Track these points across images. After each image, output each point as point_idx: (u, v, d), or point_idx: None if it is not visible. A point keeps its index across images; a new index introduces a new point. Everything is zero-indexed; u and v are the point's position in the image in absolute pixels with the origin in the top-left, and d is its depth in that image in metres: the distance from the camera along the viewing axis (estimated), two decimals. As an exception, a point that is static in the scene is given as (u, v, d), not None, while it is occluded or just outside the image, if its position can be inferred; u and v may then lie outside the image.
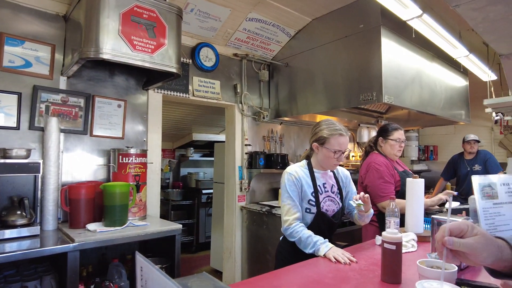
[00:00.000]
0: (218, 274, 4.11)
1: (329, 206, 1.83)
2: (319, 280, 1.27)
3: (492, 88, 3.84)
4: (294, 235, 1.70)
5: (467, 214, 1.77)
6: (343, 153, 1.81)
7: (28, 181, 2.14)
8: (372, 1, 2.27)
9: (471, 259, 0.75)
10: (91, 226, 2.09)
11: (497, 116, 3.96)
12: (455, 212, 1.94)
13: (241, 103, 3.66)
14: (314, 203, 1.78)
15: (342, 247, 1.86)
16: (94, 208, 2.22)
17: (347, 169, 4.57)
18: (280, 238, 1.95)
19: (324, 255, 1.57)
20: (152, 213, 2.79)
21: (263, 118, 3.72)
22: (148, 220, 2.43)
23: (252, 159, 3.63)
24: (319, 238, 1.66)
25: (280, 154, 3.72)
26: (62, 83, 2.49)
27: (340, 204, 1.88)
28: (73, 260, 1.83)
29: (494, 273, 0.82)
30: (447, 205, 2.22)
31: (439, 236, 0.76)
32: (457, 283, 1.09)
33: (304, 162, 1.91)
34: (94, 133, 2.56)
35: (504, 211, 1.10)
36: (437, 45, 2.88)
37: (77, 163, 2.49)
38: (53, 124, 2.22)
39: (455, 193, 2.24)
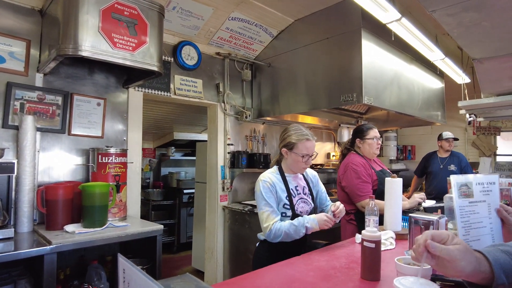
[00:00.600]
0: (199, 274, 4.09)
1: (303, 208, 1.91)
2: (300, 279, 1.29)
3: (466, 91, 3.99)
4: (278, 233, 1.74)
5: (442, 212, 1.83)
6: (311, 156, 1.89)
7: (2, 182, 2.07)
8: (353, 3, 2.31)
9: (449, 266, 0.77)
10: (69, 228, 2.03)
11: (470, 117, 4.12)
12: (431, 210, 2.01)
13: (224, 103, 3.65)
14: (289, 207, 1.85)
15: (322, 245, 1.90)
16: (73, 209, 2.16)
17: (328, 169, 4.66)
18: (257, 244, 1.98)
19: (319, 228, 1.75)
20: (132, 213, 2.75)
21: (246, 117, 3.73)
22: (128, 220, 2.39)
23: (235, 159, 3.63)
24: (299, 220, 1.75)
25: (262, 153, 3.74)
26: (38, 80, 2.41)
27: (312, 204, 1.97)
28: (50, 263, 1.78)
29: (472, 286, 0.83)
30: (423, 204, 2.30)
31: (422, 240, 0.78)
32: (432, 279, 1.13)
33: (275, 168, 1.97)
34: (73, 132, 2.49)
35: (478, 209, 1.16)
36: (415, 48, 2.97)
37: (54, 163, 2.42)
38: (29, 122, 2.15)
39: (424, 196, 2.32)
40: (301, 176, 2.01)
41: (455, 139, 4.40)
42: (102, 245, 2.04)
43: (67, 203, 2.13)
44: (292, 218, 1.84)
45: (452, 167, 4.22)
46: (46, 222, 2.10)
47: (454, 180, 1.13)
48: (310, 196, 1.98)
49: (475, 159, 5.46)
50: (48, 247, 1.78)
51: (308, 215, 1.90)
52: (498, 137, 5.39)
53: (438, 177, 4.20)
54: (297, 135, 1.89)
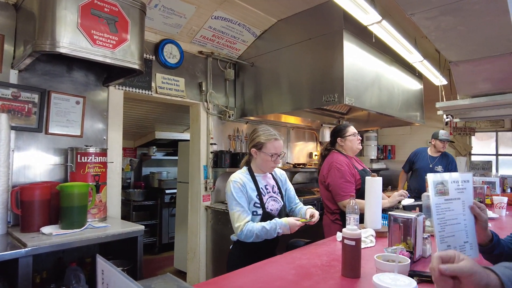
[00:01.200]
0: (182, 274, 4.05)
1: (273, 206, 1.95)
2: (282, 277, 1.30)
3: (443, 92, 4.12)
4: (249, 234, 1.77)
5: (420, 210, 1.88)
6: (279, 155, 1.95)
7: (-26, 182, 1.98)
8: (335, 5, 2.34)
9: (465, 282, 0.78)
10: (46, 229, 1.97)
11: (447, 118, 4.25)
12: (410, 208, 2.07)
13: (207, 102, 3.63)
14: (259, 205, 1.89)
15: (304, 244, 1.92)
16: (50, 210, 2.09)
17: (311, 168, 4.70)
18: (230, 247, 1.99)
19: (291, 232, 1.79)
20: (112, 214, 2.69)
21: (229, 117, 3.72)
22: (108, 221, 2.34)
23: (218, 158, 3.62)
24: (271, 224, 1.78)
25: (245, 153, 3.73)
26: (13, 77, 2.32)
27: (282, 202, 2.02)
28: (25, 266, 1.72)
29: None
30: (403, 202, 2.35)
31: (434, 265, 0.80)
32: (409, 275, 1.17)
33: (244, 168, 2.01)
34: (50, 130, 2.42)
35: (453, 206, 1.20)
36: (395, 50, 3.04)
37: (30, 163, 2.34)
38: (2, 120, 2.06)
39: (407, 193, 2.36)
40: (270, 175, 2.06)
41: (451, 141, 4.31)
42: (81, 246, 1.99)
43: (44, 204, 2.06)
44: (263, 216, 1.88)
45: (439, 169, 4.07)
46: (21, 224, 2.03)
47: (431, 178, 1.17)
48: (280, 195, 2.04)
49: (452, 159, 5.64)
50: (23, 249, 1.72)
51: (278, 212, 1.95)
52: (473, 137, 5.59)
53: (425, 176, 4.11)
54: (266, 135, 1.94)
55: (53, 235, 1.90)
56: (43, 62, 2.42)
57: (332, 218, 2.51)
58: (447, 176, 1.21)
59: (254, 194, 1.89)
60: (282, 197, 2.04)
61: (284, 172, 2.20)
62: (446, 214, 1.18)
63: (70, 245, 1.89)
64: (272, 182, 2.05)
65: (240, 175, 1.93)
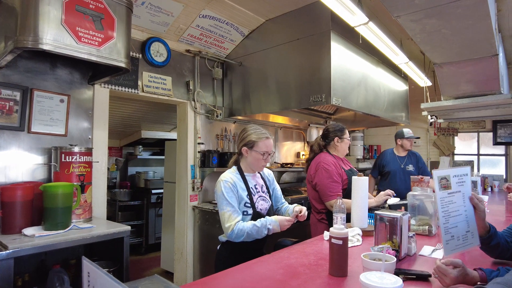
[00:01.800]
0: (169, 275, 4.01)
1: (262, 205, 1.96)
2: (270, 277, 1.30)
3: (427, 93, 4.21)
4: (240, 234, 1.77)
5: (406, 209, 1.91)
6: (270, 154, 1.96)
7: (-48, 183, 1.92)
8: (323, 6, 2.35)
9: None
10: (28, 231, 1.92)
11: (431, 118, 4.35)
12: (395, 207, 2.10)
13: (194, 101, 3.60)
14: (249, 205, 1.89)
15: (292, 243, 1.93)
16: (32, 211, 2.04)
17: (299, 167, 4.72)
18: (218, 247, 1.99)
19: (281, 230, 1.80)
20: (98, 214, 2.65)
21: (217, 116, 3.70)
22: (94, 222, 2.30)
23: (205, 158, 3.60)
24: (261, 222, 1.79)
25: (233, 153, 3.72)
26: (-6, 74, 2.25)
27: (270, 201, 2.03)
28: (6, 269, 1.67)
29: None
30: (389, 201, 2.39)
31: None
32: (395, 273, 1.19)
33: (234, 168, 2.00)
34: (33, 129, 2.35)
35: (455, 199, 1.29)
36: (381, 51, 3.08)
37: (12, 162, 2.27)
38: (-17, 119, 2.00)
39: (393, 194, 2.39)
40: (258, 175, 2.07)
41: (417, 138, 4.31)
42: (66, 248, 1.94)
43: (26, 204, 2.01)
44: (253, 215, 1.88)
45: (410, 167, 3.94)
46: (2, 225, 1.97)
47: (436, 174, 1.26)
48: (268, 194, 2.05)
49: (436, 159, 5.77)
50: (4, 252, 1.68)
51: (267, 212, 1.96)
52: (456, 137, 5.73)
53: (398, 177, 3.92)
54: (257, 134, 1.95)
55: (35, 237, 1.85)
56: (25, 59, 2.36)
57: (318, 217, 2.53)
58: (450, 171, 1.29)
59: (244, 193, 1.89)
60: (270, 197, 2.06)
61: (271, 172, 2.22)
62: (449, 207, 1.26)
63: (53, 247, 1.85)
64: (261, 182, 2.06)
65: (230, 175, 1.91)
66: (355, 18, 2.46)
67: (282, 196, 2.22)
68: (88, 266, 0.66)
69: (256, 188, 1.98)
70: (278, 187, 2.19)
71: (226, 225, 1.80)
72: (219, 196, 1.86)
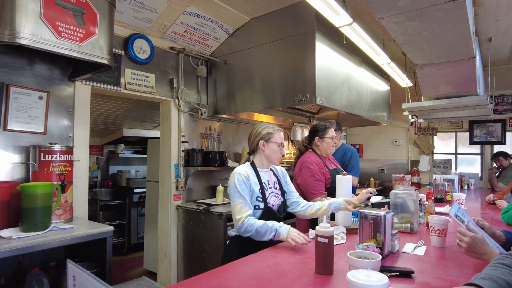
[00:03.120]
0: (152, 275, 3.96)
1: (274, 201, 1.96)
2: (258, 276, 1.30)
3: (409, 94, 4.31)
4: (249, 228, 1.76)
5: (389, 208, 1.96)
6: (283, 146, 2.03)
7: None
8: (307, 6, 2.37)
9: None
10: (5, 233, 1.85)
11: (412, 118, 4.46)
12: (378, 206, 2.14)
13: (178, 99, 3.56)
14: (261, 199, 1.89)
15: (278, 242, 1.93)
16: (9, 212, 1.97)
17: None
18: (227, 242, 1.98)
19: (286, 239, 1.71)
20: (79, 214, 2.58)
21: (201, 114, 3.67)
22: (75, 222, 2.23)
23: (189, 157, 3.56)
24: (273, 223, 1.77)
25: (218, 151, 3.71)
26: (-34, 69, 2.15)
27: (282, 198, 2.03)
28: (-18, 272, 1.61)
29: None
30: (372, 199, 2.44)
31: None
32: (380, 270, 1.21)
33: (247, 163, 2.01)
34: (9, 127, 2.26)
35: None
36: (364, 52, 3.13)
37: (-14, 161, 2.18)
38: (-44, 116, 1.91)
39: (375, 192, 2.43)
40: (271, 172, 2.08)
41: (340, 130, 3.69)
42: (45, 250, 1.88)
43: (3, 205, 1.93)
44: (264, 210, 1.88)
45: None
46: (-23, 227, 1.89)
47: (452, 213, 1.49)
48: (280, 191, 2.05)
49: (416, 157, 5.93)
50: (-20, 255, 1.61)
51: (277, 208, 1.96)
52: (435, 137, 5.90)
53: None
54: (270, 127, 2.02)
55: (13, 239, 1.78)
56: (1, 54, 2.26)
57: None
58: (455, 210, 1.52)
59: (257, 188, 1.89)
60: (282, 194, 2.05)
61: (284, 170, 2.21)
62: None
63: (32, 249, 1.78)
64: (274, 178, 2.06)
65: (244, 168, 1.93)
66: (339, 18, 2.49)
67: (296, 191, 2.18)
68: (73, 269, 0.64)
69: (268, 184, 1.98)
70: (290, 183, 2.19)
71: (236, 217, 1.80)
72: (232, 188, 1.86)
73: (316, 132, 2.67)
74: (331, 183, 2.48)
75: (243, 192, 1.83)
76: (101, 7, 2.16)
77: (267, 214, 1.88)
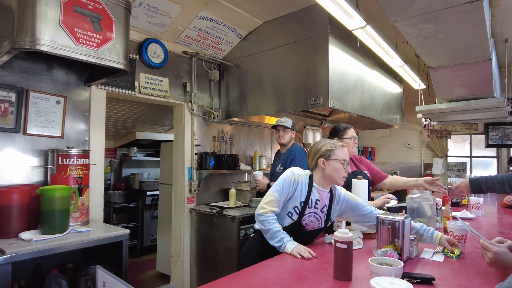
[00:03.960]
0: (165, 277, 3.98)
1: (311, 222, 1.84)
2: (276, 281, 1.30)
3: (422, 96, 4.26)
4: (266, 224, 1.74)
5: (405, 212, 1.94)
6: (348, 163, 1.85)
7: None
8: (320, 9, 2.36)
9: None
10: (25, 235, 1.89)
11: (425, 121, 4.40)
12: (395, 210, 2.12)
13: (191, 102, 3.58)
14: (298, 212, 1.79)
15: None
16: (29, 215, 2.01)
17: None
18: (251, 235, 1.97)
19: (290, 252, 1.65)
20: (94, 217, 2.62)
21: (214, 118, 3.69)
22: (91, 225, 2.27)
23: (202, 160, 3.58)
24: (286, 235, 1.73)
25: (230, 154, 3.72)
26: (-13, 75, 2.21)
27: (323, 225, 1.89)
28: (4, 274, 1.64)
29: None
30: (387, 204, 2.41)
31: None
32: (402, 277, 1.20)
33: (309, 172, 1.90)
34: (29, 131, 2.31)
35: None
36: (377, 54, 3.11)
37: (7, 165, 2.22)
38: (-22, 121, 1.96)
39: (393, 197, 2.41)
40: (328, 195, 1.88)
41: (289, 128, 3.15)
42: (62, 252, 1.92)
43: (23, 208, 1.98)
44: (295, 223, 1.79)
45: (279, 167, 3.10)
46: (-2, 229, 1.93)
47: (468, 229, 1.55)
48: (326, 217, 1.88)
49: (429, 160, 5.84)
50: (2, 257, 1.64)
51: (312, 231, 1.87)
52: (449, 139, 5.81)
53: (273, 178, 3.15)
54: (330, 144, 1.86)
55: (33, 241, 1.82)
56: (21, 60, 2.32)
57: None
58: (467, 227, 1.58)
59: (300, 199, 1.80)
60: (326, 221, 1.89)
61: (349, 195, 1.95)
62: None
63: (51, 251, 1.82)
64: (326, 202, 1.87)
65: (302, 173, 1.85)
66: (352, 21, 2.48)
67: (364, 203, 1.94)
68: (104, 275, 0.65)
69: (316, 203, 1.83)
70: (353, 198, 1.94)
71: (263, 204, 1.79)
72: (279, 179, 1.82)
73: (335, 133, 2.62)
74: (345, 186, 2.43)
75: (283, 190, 1.77)
76: (117, 13, 2.19)
77: (295, 228, 1.80)
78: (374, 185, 2.88)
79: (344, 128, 2.60)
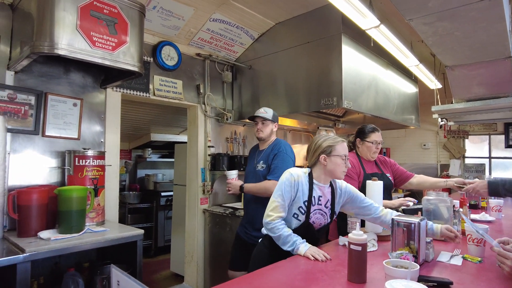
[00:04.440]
0: (179, 278, 4.01)
1: (318, 219, 1.83)
2: (289, 283, 1.29)
3: (438, 96, 4.17)
4: (275, 231, 1.72)
5: (422, 214, 1.90)
6: (348, 158, 1.84)
7: (-31, 186, 1.94)
8: (333, 9, 2.34)
9: None
10: (44, 234, 1.94)
11: (442, 121, 4.31)
12: (410, 212, 2.08)
13: (204, 104, 3.61)
14: (304, 212, 1.79)
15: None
16: (47, 214, 2.06)
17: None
18: (260, 240, 1.96)
19: (303, 254, 1.63)
20: (110, 217, 2.66)
21: (227, 119, 3.70)
22: (106, 225, 2.31)
23: (215, 161, 3.60)
24: (298, 238, 1.71)
25: (243, 155, 3.72)
26: (9, 79, 2.28)
27: (329, 219, 1.88)
28: (24, 272, 1.69)
29: None
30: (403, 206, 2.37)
31: None
32: (418, 280, 1.17)
33: (307, 169, 1.87)
34: (47, 133, 2.38)
35: None
36: (391, 54, 3.06)
37: (27, 166, 2.29)
38: (-1, 123, 2.02)
39: (414, 200, 2.35)
40: (329, 189, 1.87)
41: (268, 120, 2.67)
42: (79, 251, 1.96)
43: (42, 208, 2.03)
44: (303, 224, 1.78)
45: (260, 166, 2.62)
46: (18, 228, 1.99)
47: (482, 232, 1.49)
48: (330, 211, 1.87)
49: (446, 161, 5.71)
50: (21, 255, 1.69)
51: (321, 228, 1.86)
52: (466, 140, 5.67)
53: (250, 180, 2.69)
54: (331, 139, 1.84)
55: (51, 240, 1.86)
56: (40, 64, 2.39)
57: None
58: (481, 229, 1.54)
59: (303, 198, 1.78)
60: (331, 215, 1.88)
61: (350, 187, 1.95)
62: None
63: (69, 250, 1.86)
64: (328, 197, 1.87)
65: (300, 173, 1.82)
66: (366, 21, 2.45)
67: (365, 197, 1.95)
68: (118, 274, 0.66)
69: (319, 200, 1.83)
70: (354, 191, 1.94)
71: (269, 212, 1.76)
72: (279, 183, 1.80)
73: (359, 134, 2.57)
74: (362, 188, 2.36)
75: (285, 194, 1.75)
76: (132, 16, 2.23)
77: (305, 229, 1.78)
78: (399, 186, 2.79)
79: (369, 130, 2.52)
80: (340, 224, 2.38)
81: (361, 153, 2.57)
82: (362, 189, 2.33)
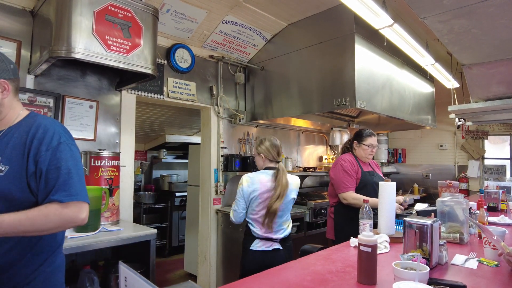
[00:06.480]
0: (192, 278, 4.05)
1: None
2: (298, 283, 1.29)
3: (455, 95, 4.07)
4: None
5: (435, 216, 1.85)
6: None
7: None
8: (346, 9, 2.33)
9: None
10: (61, 233, 1.99)
11: (459, 121, 4.20)
12: (424, 214, 2.04)
13: (217, 105, 3.64)
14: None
15: (318, 249, 1.91)
16: (64, 214, 2.12)
17: (321, 171, 4.66)
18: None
19: None
20: (125, 217, 2.72)
21: (239, 120, 3.72)
22: (121, 224, 2.36)
23: (228, 162, 3.62)
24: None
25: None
26: (29, 82, 2.37)
27: None
28: (42, 268, 1.74)
29: None
30: (416, 207, 2.33)
31: None
32: (428, 283, 1.15)
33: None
34: (64, 135, 2.45)
35: None
36: (406, 53, 3.01)
37: (45, 166, 2.37)
38: (20, 125, 2.10)
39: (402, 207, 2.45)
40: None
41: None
42: (94, 249, 2.01)
43: (59, 207, 2.09)
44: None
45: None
46: (37, 226, 2.05)
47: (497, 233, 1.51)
48: None
49: (464, 162, 5.56)
50: (40, 252, 1.74)
51: None
52: (486, 141, 5.50)
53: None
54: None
55: (68, 238, 1.92)
56: (58, 67, 2.47)
57: (329, 212, 2.74)
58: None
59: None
60: None
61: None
62: None
63: (84, 248, 1.91)
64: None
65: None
66: (379, 20, 2.42)
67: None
68: (125, 271, 0.68)
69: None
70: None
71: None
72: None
73: (356, 137, 2.75)
74: (360, 183, 2.58)
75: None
76: (146, 20, 2.28)
77: None
78: None
79: (366, 135, 2.70)
80: (336, 218, 2.59)
81: (357, 154, 2.74)
82: (361, 184, 2.57)
